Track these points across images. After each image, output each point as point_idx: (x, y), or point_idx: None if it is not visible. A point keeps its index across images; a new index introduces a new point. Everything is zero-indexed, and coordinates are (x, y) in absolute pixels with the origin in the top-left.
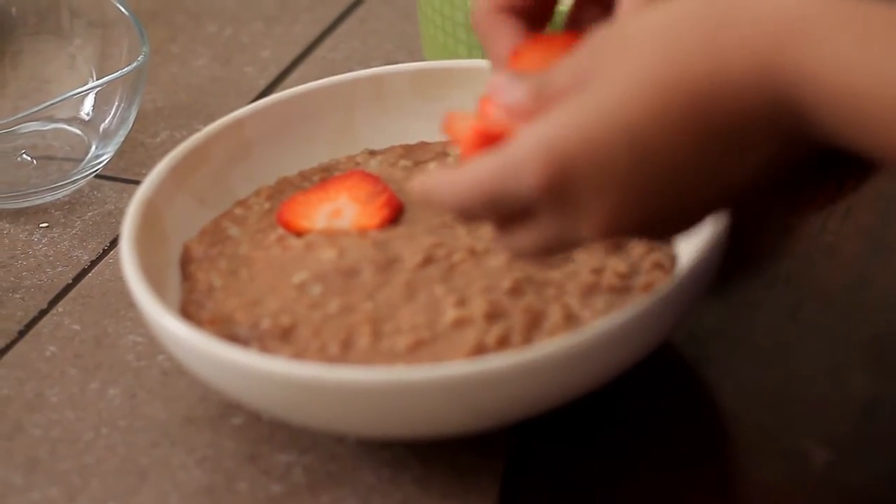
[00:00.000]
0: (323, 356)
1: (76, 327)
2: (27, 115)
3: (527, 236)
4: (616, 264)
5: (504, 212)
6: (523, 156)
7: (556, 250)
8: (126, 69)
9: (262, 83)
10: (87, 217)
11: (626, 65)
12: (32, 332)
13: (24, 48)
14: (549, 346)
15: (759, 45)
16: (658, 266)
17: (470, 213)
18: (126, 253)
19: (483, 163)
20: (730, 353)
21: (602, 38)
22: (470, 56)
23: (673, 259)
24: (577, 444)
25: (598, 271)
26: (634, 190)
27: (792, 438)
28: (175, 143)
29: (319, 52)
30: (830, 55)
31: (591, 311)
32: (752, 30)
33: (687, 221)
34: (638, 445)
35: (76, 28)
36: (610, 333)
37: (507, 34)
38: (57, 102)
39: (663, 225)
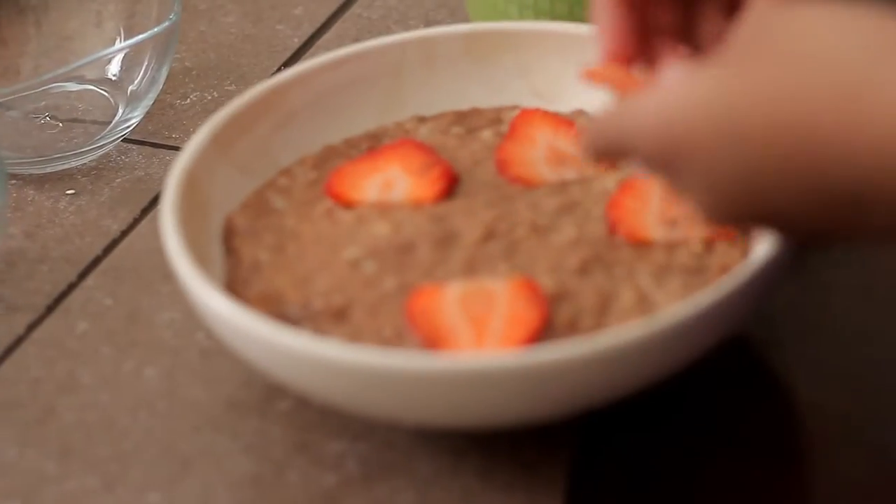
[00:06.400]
0: (379, 339)
1: (108, 302)
2: (53, 75)
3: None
4: (690, 243)
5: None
6: (642, 121)
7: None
8: (157, 29)
9: (296, 42)
10: (115, 184)
11: (760, 79)
12: (62, 306)
13: (48, 3)
14: (625, 333)
15: None
16: (732, 245)
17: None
18: (168, 226)
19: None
20: (802, 337)
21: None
22: (521, 16)
23: (747, 238)
24: (645, 436)
25: (670, 249)
26: (734, 201)
27: (875, 430)
28: (205, 104)
29: (355, 10)
30: None
31: (665, 293)
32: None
33: (800, 229)
34: (708, 437)
35: None
36: (691, 319)
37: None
38: (86, 63)
39: (773, 223)
